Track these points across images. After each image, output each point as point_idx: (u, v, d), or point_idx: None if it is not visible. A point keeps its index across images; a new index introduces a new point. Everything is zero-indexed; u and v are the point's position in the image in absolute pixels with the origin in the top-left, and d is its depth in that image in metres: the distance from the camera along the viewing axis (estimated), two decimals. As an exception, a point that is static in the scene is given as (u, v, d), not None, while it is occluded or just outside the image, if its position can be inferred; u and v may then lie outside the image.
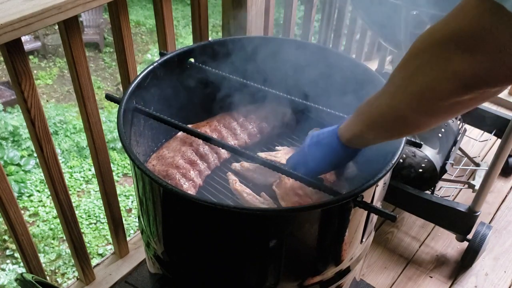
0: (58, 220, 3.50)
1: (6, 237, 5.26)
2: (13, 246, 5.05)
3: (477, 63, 0.61)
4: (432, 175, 1.73)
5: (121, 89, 1.51)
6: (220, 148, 1.27)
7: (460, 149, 2.01)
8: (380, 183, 0.97)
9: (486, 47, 0.60)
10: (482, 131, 2.24)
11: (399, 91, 0.76)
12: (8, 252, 5.19)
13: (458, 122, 1.93)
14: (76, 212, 1.65)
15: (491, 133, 2.08)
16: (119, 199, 2.80)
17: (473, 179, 1.90)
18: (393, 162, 0.95)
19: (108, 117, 6.95)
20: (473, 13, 0.60)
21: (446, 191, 1.96)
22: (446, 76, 0.65)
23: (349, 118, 0.93)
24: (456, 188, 2.02)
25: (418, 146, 1.10)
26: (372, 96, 0.84)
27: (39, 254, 1.45)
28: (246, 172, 1.21)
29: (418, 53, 0.69)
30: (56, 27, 1.27)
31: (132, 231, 5.10)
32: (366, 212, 1.00)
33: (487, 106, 2.34)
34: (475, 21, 0.60)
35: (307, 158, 1.01)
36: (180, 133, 1.30)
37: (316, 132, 1.01)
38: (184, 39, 8.87)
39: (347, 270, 1.13)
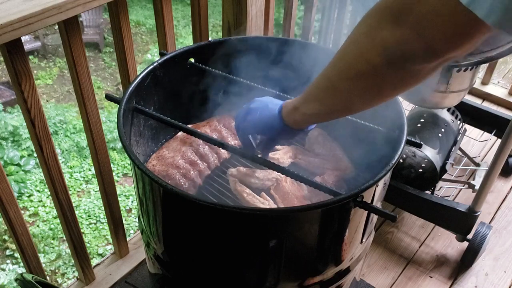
0: (58, 220, 3.50)
1: (6, 237, 5.26)
2: (13, 246, 5.05)
3: (400, 33, 0.63)
4: (432, 175, 1.73)
5: (121, 89, 1.51)
6: (220, 148, 1.27)
7: (460, 149, 2.01)
8: (380, 183, 0.97)
9: (410, 18, 0.62)
10: (482, 131, 2.24)
11: (335, 61, 0.77)
12: (8, 252, 5.19)
13: (458, 122, 1.93)
14: (76, 212, 1.65)
15: (491, 133, 2.08)
16: (119, 199, 2.80)
17: (473, 179, 1.90)
18: (393, 162, 0.95)
19: (108, 117, 6.95)
20: None
21: (446, 191, 1.96)
22: (374, 44, 0.67)
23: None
24: (456, 188, 2.02)
25: (418, 146, 1.10)
26: None
27: (39, 254, 1.45)
28: (243, 177, 1.20)
29: (360, 21, 0.71)
30: (56, 27, 1.27)
31: (132, 231, 5.10)
32: (366, 212, 1.00)
33: (487, 106, 2.35)
34: None
35: (251, 126, 1.02)
36: (180, 133, 1.30)
37: (269, 99, 1.02)
38: (184, 39, 8.87)
39: (347, 270, 1.13)
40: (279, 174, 1.12)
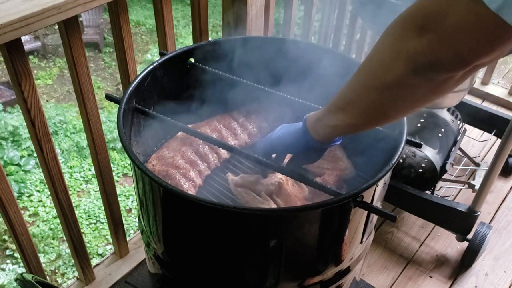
0: (58, 220, 3.50)
1: (6, 237, 5.26)
2: (13, 246, 5.05)
3: (427, 43, 0.62)
4: (432, 175, 1.73)
5: (121, 89, 1.51)
6: (220, 148, 1.27)
7: (460, 149, 2.01)
8: (380, 183, 0.97)
9: (437, 27, 0.61)
10: (482, 131, 2.24)
11: (360, 72, 0.76)
12: (8, 252, 5.19)
13: (458, 122, 1.93)
14: (76, 212, 1.65)
15: (491, 133, 2.08)
16: (119, 199, 2.80)
17: (473, 179, 1.90)
18: (393, 162, 0.95)
19: (108, 117, 6.95)
20: None
21: (446, 191, 1.96)
22: (400, 55, 0.66)
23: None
24: (456, 188, 2.02)
25: (418, 146, 1.10)
26: None
27: (39, 254, 1.45)
28: (247, 184, 1.19)
29: (384, 32, 0.70)
30: (56, 27, 1.27)
31: (132, 231, 5.10)
32: (366, 212, 1.00)
33: (487, 106, 2.35)
34: (434, 0, 0.61)
35: (275, 144, 1.00)
36: (180, 133, 1.30)
37: (287, 124, 1.01)
38: (184, 39, 8.87)
39: (347, 270, 1.13)
40: (281, 177, 1.12)
